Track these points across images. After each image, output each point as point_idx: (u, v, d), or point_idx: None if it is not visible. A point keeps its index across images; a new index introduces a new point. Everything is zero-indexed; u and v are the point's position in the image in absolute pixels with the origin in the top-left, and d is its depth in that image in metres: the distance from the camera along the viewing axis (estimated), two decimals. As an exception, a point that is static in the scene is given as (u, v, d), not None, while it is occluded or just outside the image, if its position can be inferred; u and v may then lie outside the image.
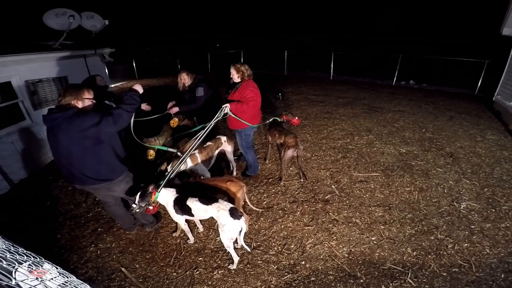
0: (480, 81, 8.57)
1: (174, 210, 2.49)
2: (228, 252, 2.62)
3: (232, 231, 2.28)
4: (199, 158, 3.22)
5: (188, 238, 2.80)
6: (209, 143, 3.41)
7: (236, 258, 2.48)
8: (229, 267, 2.51)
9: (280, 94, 7.89)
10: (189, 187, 2.79)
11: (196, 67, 13.88)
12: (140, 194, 2.28)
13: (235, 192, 2.73)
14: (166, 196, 2.48)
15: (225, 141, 3.57)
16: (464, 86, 9.12)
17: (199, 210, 2.40)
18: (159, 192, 2.43)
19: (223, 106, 3.05)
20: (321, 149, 4.65)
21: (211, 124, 2.96)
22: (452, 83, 9.58)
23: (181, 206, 2.45)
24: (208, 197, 2.46)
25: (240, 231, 2.34)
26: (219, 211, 2.29)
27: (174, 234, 2.90)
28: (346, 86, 9.72)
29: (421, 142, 4.80)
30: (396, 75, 10.19)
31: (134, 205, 2.28)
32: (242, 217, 2.31)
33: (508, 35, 6.04)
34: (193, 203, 2.41)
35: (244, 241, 2.58)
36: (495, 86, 6.74)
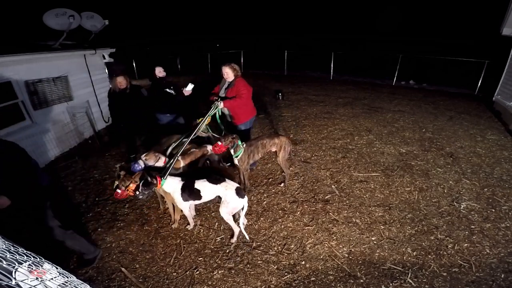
0: (480, 81, 8.57)
1: (181, 198, 2.60)
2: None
3: (235, 207, 2.55)
4: (181, 162, 3.14)
5: (188, 224, 2.90)
6: (193, 149, 3.33)
7: (236, 230, 2.70)
8: (231, 241, 2.69)
9: (280, 94, 7.90)
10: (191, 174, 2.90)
11: (196, 67, 13.89)
12: (143, 183, 2.45)
13: (231, 176, 3.00)
14: (172, 184, 2.60)
15: (211, 150, 3.38)
16: (464, 86, 9.12)
17: (208, 190, 2.58)
18: (165, 179, 2.56)
19: (215, 102, 3.21)
20: (321, 149, 4.65)
21: (205, 119, 3.16)
22: (452, 83, 9.57)
23: (189, 191, 2.59)
24: (216, 177, 2.63)
25: (242, 209, 2.59)
26: (227, 189, 2.53)
27: (173, 226, 2.97)
28: (346, 86, 9.72)
29: (421, 142, 4.80)
30: (396, 75, 10.20)
31: (137, 192, 2.44)
32: (246, 196, 2.57)
33: (508, 35, 6.05)
34: (202, 184, 2.58)
35: (245, 241, 2.60)
36: (495, 86, 6.74)
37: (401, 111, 6.59)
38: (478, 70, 8.66)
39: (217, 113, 3.37)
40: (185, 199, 2.63)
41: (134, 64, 13.33)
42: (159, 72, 4.17)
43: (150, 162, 2.83)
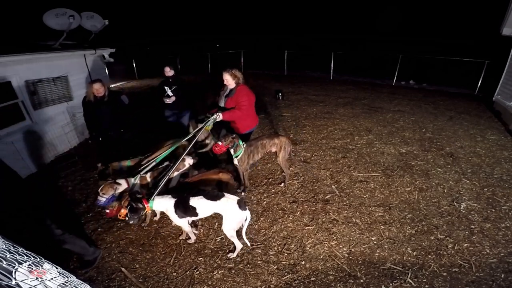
0: (480, 81, 8.57)
1: (176, 215, 2.46)
2: (228, 252, 2.63)
3: (238, 221, 2.44)
4: (148, 179, 2.95)
5: (189, 238, 2.80)
6: (166, 163, 3.07)
7: (239, 247, 2.58)
8: (228, 255, 2.59)
9: (280, 94, 7.90)
10: (181, 188, 2.78)
11: (196, 67, 13.89)
12: (129, 209, 2.34)
13: (227, 181, 2.89)
14: (163, 204, 2.47)
15: (189, 164, 3.21)
16: (464, 86, 9.11)
17: (205, 207, 2.44)
18: (152, 200, 2.43)
19: (215, 114, 3.06)
20: (321, 149, 4.65)
21: (201, 131, 3.01)
22: (452, 83, 9.57)
23: (184, 208, 2.44)
24: (214, 193, 2.52)
25: (245, 220, 2.49)
26: (228, 204, 2.41)
27: (189, 241, 2.79)
28: (346, 86, 9.72)
29: (421, 142, 4.80)
30: (396, 75, 10.19)
31: (126, 218, 2.36)
32: (247, 209, 2.47)
33: (508, 35, 6.04)
34: (198, 202, 2.43)
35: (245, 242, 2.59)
36: (495, 86, 6.74)
37: (401, 111, 6.59)
38: (478, 70, 8.65)
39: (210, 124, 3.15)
40: (180, 216, 2.48)
41: (134, 64, 13.34)
42: (166, 71, 4.28)
43: (109, 194, 2.58)
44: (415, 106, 7.01)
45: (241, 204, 2.42)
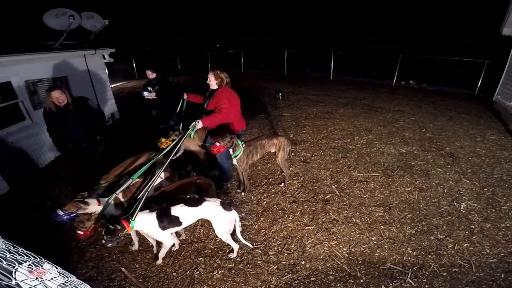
0: (480, 81, 8.57)
1: (160, 229, 2.28)
2: (228, 252, 2.63)
3: (229, 222, 2.39)
4: (121, 198, 2.72)
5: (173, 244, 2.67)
6: (137, 179, 2.77)
7: (236, 247, 2.57)
8: (229, 255, 2.59)
9: (280, 94, 7.90)
10: (157, 199, 2.62)
11: (196, 67, 13.90)
12: (105, 231, 2.11)
13: (206, 188, 2.81)
14: (145, 220, 2.26)
15: (162, 178, 3.01)
16: (464, 86, 9.11)
17: (188, 215, 2.33)
18: (133, 220, 2.21)
19: (194, 122, 2.87)
20: (321, 149, 4.65)
21: (183, 139, 2.87)
22: (452, 83, 9.57)
23: (167, 219, 2.28)
24: (194, 199, 2.47)
25: (235, 221, 2.43)
26: (212, 208, 2.33)
27: (157, 263, 2.59)
28: (346, 86, 9.72)
29: (421, 142, 4.80)
30: (396, 75, 10.20)
31: (103, 241, 2.15)
32: (233, 209, 2.41)
33: (508, 35, 6.04)
34: (180, 210, 2.30)
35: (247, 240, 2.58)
36: (495, 86, 6.74)
37: (401, 111, 6.59)
38: (478, 70, 8.65)
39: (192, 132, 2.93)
40: (163, 228, 2.28)
41: (134, 64, 13.34)
42: (148, 74, 4.57)
43: (70, 211, 2.35)
44: (415, 106, 7.01)
45: (225, 206, 2.36)
